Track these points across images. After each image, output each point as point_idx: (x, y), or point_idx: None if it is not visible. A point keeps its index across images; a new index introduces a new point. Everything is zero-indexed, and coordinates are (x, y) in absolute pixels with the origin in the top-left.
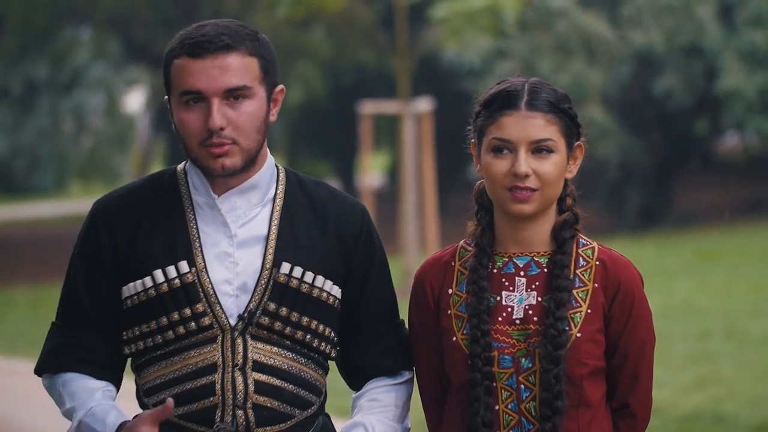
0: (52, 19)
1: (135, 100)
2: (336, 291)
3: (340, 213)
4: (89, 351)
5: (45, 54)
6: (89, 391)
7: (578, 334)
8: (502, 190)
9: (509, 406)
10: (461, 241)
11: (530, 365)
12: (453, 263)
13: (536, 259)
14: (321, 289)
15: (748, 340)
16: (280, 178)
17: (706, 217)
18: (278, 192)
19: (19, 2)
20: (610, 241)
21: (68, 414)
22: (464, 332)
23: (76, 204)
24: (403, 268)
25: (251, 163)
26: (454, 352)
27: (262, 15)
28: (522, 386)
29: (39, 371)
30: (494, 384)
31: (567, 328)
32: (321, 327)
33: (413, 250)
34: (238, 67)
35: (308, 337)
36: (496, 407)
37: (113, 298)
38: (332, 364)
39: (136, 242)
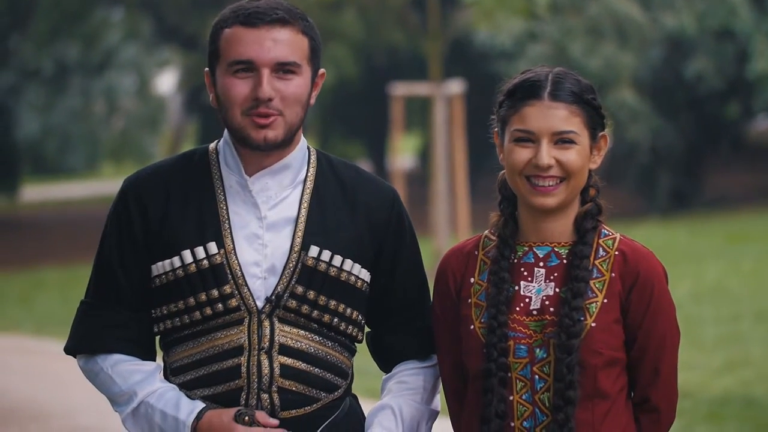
0: (84, 1)
1: (166, 82)
2: (365, 275)
3: (371, 196)
4: (128, 330)
5: (76, 35)
6: (145, 372)
7: (593, 324)
8: (521, 179)
9: (523, 397)
10: (485, 231)
11: (545, 355)
12: (476, 252)
13: (556, 249)
14: (349, 273)
15: None
16: (312, 161)
17: (736, 200)
18: (309, 174)
19: None
20: (640, 223)
21: (120, 396)
22: (482, 320)
23: (107, 185)
24: (434, 251)
25: (290, 140)
26: (471, 340)
27: None
28: (536, 377)
29: (73, 350)
30: (509, 374)
31: (582, 318)
32: (348, 310)
33: (444, 232)
34: (290, 42)
35: (335, 320)
36: (510, 398)
37: (145, 276)
38: (361, 346)
39: (166, 221)
